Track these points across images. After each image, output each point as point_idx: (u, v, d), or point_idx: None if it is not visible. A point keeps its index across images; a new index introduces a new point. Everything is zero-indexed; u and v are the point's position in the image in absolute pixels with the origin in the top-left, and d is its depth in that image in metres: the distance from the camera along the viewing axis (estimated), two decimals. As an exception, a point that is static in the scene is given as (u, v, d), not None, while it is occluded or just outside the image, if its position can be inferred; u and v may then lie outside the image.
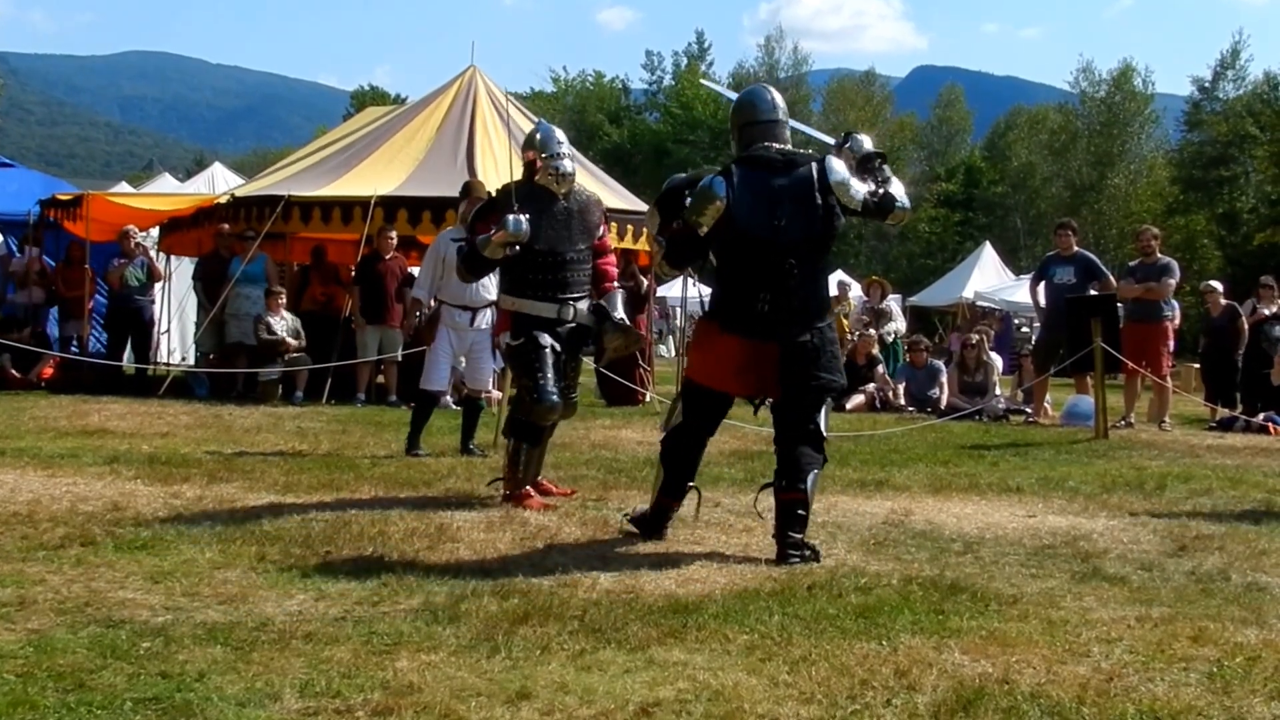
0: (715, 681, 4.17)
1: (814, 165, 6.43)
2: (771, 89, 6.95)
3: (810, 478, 6.38)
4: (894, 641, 4.72)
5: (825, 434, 6.55)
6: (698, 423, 6.75)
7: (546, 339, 7.59)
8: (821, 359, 6.42)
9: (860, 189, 6.49)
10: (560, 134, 7.84)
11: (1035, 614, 5.22)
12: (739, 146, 6.68)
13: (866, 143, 6.74)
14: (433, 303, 10.30)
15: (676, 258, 6.80)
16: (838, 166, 6.47)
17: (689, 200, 6.52)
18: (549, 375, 7.54)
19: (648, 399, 16.10)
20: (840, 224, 6.49)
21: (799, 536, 6.26)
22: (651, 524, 6.80)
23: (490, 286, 10.25)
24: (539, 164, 7.74)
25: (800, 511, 6.30)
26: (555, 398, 7.55)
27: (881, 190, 6.55)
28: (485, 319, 10.23)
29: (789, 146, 6.60)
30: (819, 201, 6.37)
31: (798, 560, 6.13)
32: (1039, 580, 5.94)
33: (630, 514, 7.01)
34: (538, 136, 7.83)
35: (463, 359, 10.46)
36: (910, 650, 4.60)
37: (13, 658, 4.20)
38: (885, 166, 6.68)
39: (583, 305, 7.82)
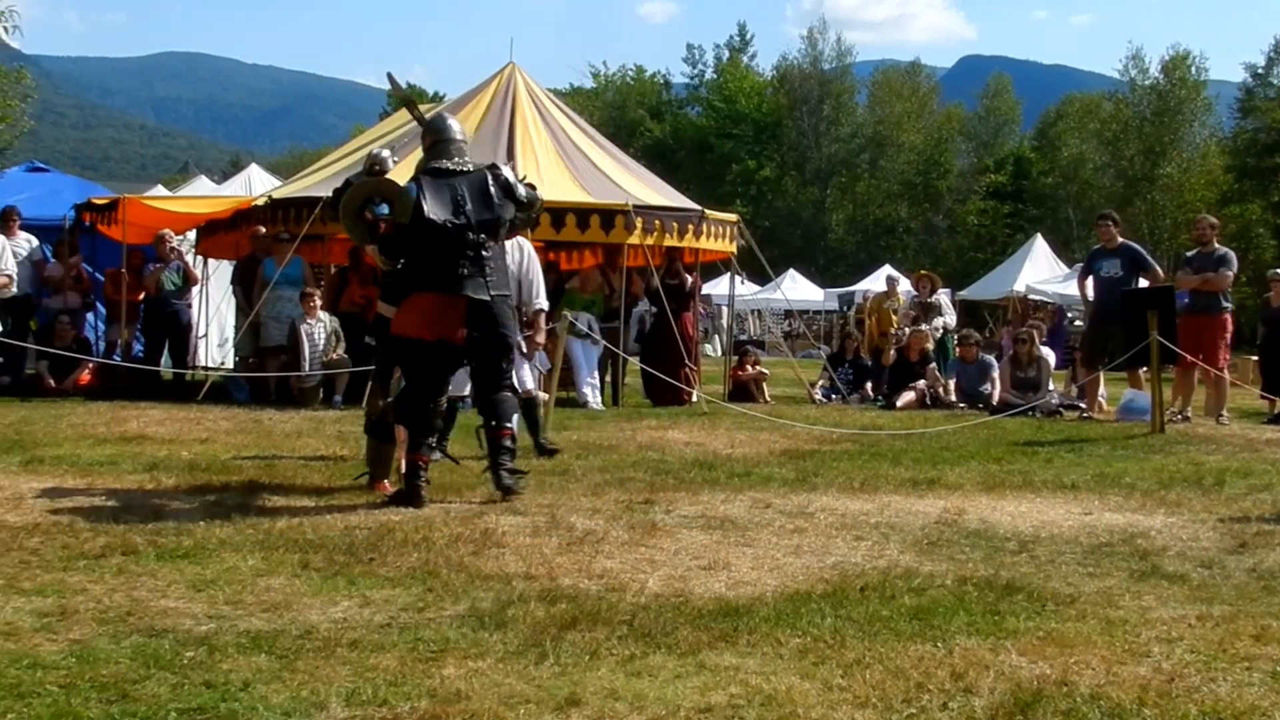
0: (768, 686, 4.12)
1: (487, 172, 8.14)
2: (454, 121, 8.55)
3: (514, 417, 8.12)
4: (949, 643, 4.65)
5: (518, 388, 8.42)
6: (425, 379, 7.96)
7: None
8: (500, 317, 7.96)
9: (521, 188, 8.33)
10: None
11: (1093, 614, 5.15)
12: (427, 159, 8.25)
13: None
14: None
15: (394, 252, 8.30)
16: (507, 171, 8.33)
17: (391, 206, 8.22)
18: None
19: (694, 399, 16.03)
20: (510, 213, 8.16)
21: (511, 464, 7.93)
22: (408, 487, 7.77)
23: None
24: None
25: (508, 444, 7.96)
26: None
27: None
28: None
29: (465, 159, 8.22)
30: (493, 195, 8.02)
31: (511, 483, 7.82)
32: (1096, 579, 5.86)
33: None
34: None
35: None
36: (966, 652, 4.53)
37: (55, 668, 4.18)
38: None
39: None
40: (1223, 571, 6.07)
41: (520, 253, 10.46)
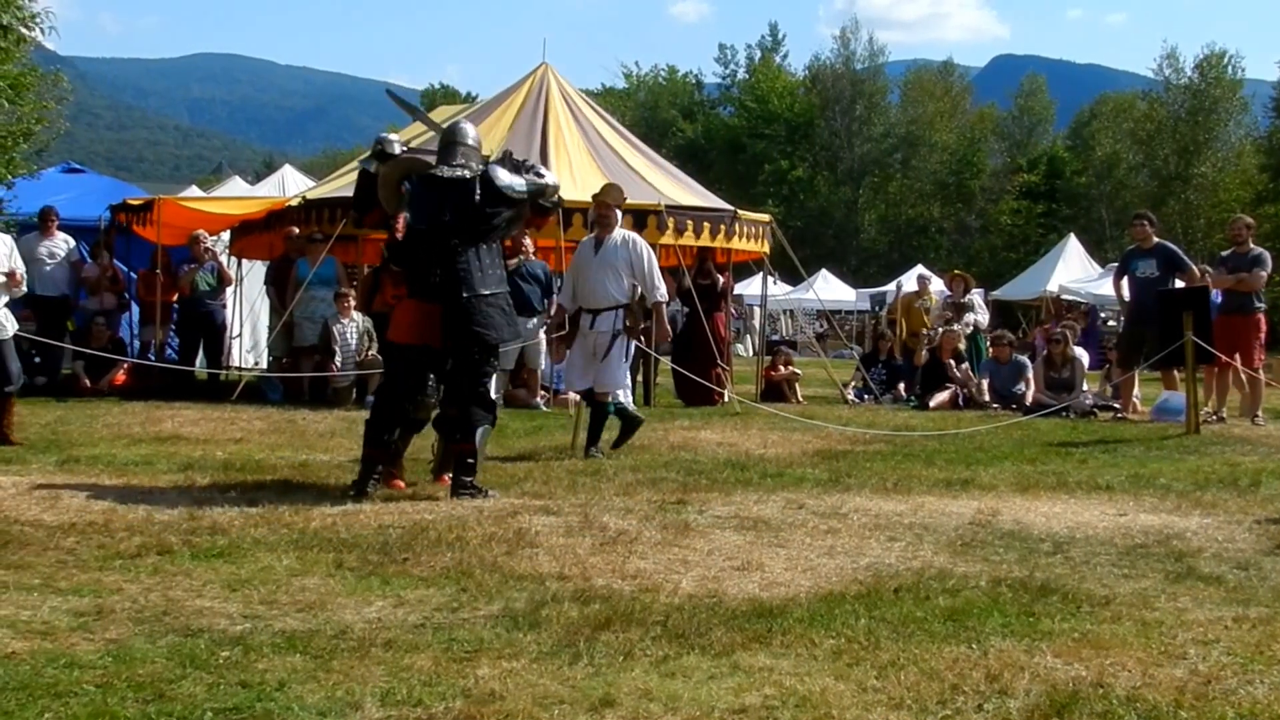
0: (802, 687, 4.11)
1: (476, 179, 8.26)
2: (468, 125, 8.79)
3: (479, 433, 8.13)
4: (984, 645, 4.63)
5: (495, 399, 8.43)
6: (400, 380, 8.30)
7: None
8: (476, 316, 8.04)
9: (520, 182, 8.41)
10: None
11: (1129, 615, 5.12)
12: (438, 158, 8.53)
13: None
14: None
15: (398, 257, 9.13)
16: (500, 175, 8.33)
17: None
18: None
19: (726, 399, 16.01)
20: (503, 215, 8.30)
21: (470, 480, 8.02)
22: (360, 478, 8.14)
23: (612, 289, 10.25)
24: None
25: (470, 460, 8.07)
26: None
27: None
28: (606, 321, 10.25)
29: (465, 163, 8.37)
30: (476, 199, 8.18)
31: (467, 496, 7.85)
32: (1132, 580, 5.82)
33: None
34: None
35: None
36: (1001, 653, 4.52)
37: (92, 668, 4.20)
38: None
39: None
40: (1259, 573, 6.03)
41: (634, 247, 10.44)
